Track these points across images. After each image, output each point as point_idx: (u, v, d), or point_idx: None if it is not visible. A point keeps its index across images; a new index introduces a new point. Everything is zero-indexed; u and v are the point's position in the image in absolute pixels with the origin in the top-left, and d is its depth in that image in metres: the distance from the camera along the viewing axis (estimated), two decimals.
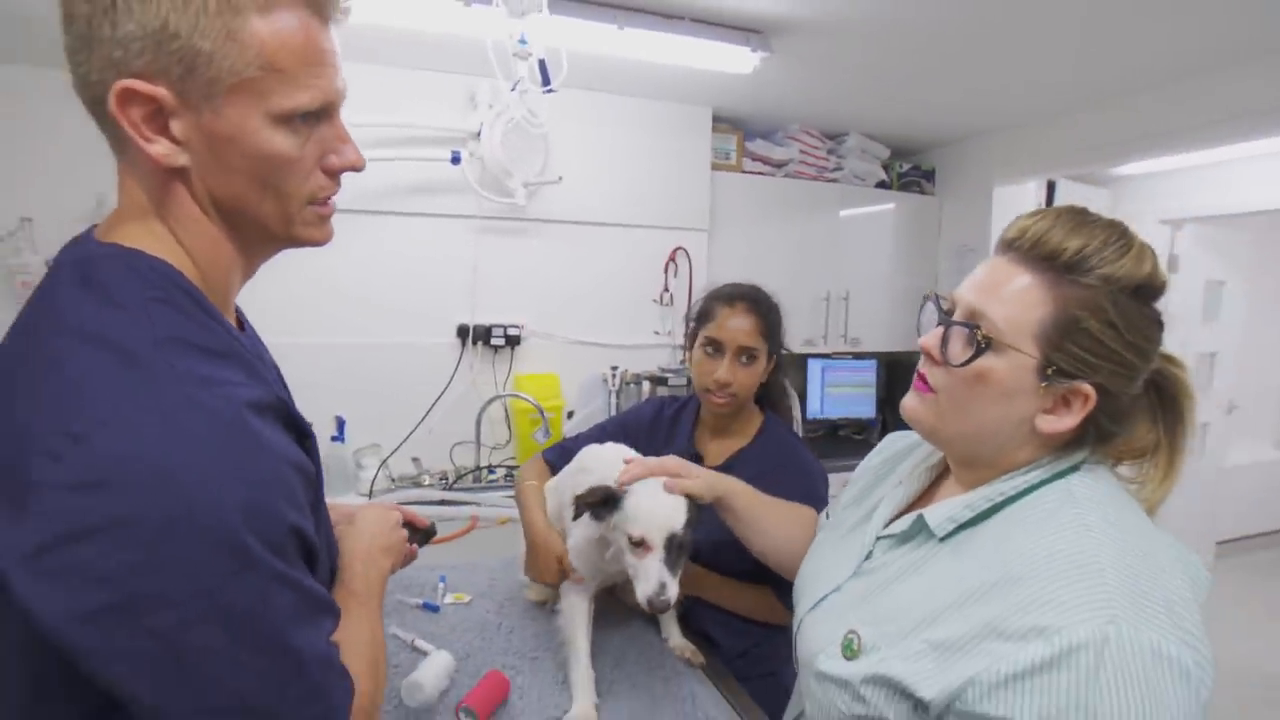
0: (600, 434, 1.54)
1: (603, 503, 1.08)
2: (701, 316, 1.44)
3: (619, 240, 2.84)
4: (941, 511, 0.77)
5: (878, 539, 0.86)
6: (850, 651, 0.76)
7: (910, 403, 0.81)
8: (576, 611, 1.21)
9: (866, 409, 3.46)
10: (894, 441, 1.07)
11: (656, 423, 1.54)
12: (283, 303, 2.39)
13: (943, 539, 0.76)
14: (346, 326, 2.51)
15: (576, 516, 1.11)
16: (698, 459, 1.44)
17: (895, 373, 3.56)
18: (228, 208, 0.64)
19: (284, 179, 0.63)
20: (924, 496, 0.90)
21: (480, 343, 2.65)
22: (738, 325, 1.37)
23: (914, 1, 1.89)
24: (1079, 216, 0.73)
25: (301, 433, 0.67)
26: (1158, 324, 0.72)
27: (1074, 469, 0.73)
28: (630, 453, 1.27)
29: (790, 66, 2.36)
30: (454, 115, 2.51)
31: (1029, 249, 0.71)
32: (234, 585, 0.52)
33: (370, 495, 2.38)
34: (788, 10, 1.97)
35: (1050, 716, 0.57)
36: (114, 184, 0.63)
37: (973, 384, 0.72)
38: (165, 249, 0.62)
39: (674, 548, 1.03)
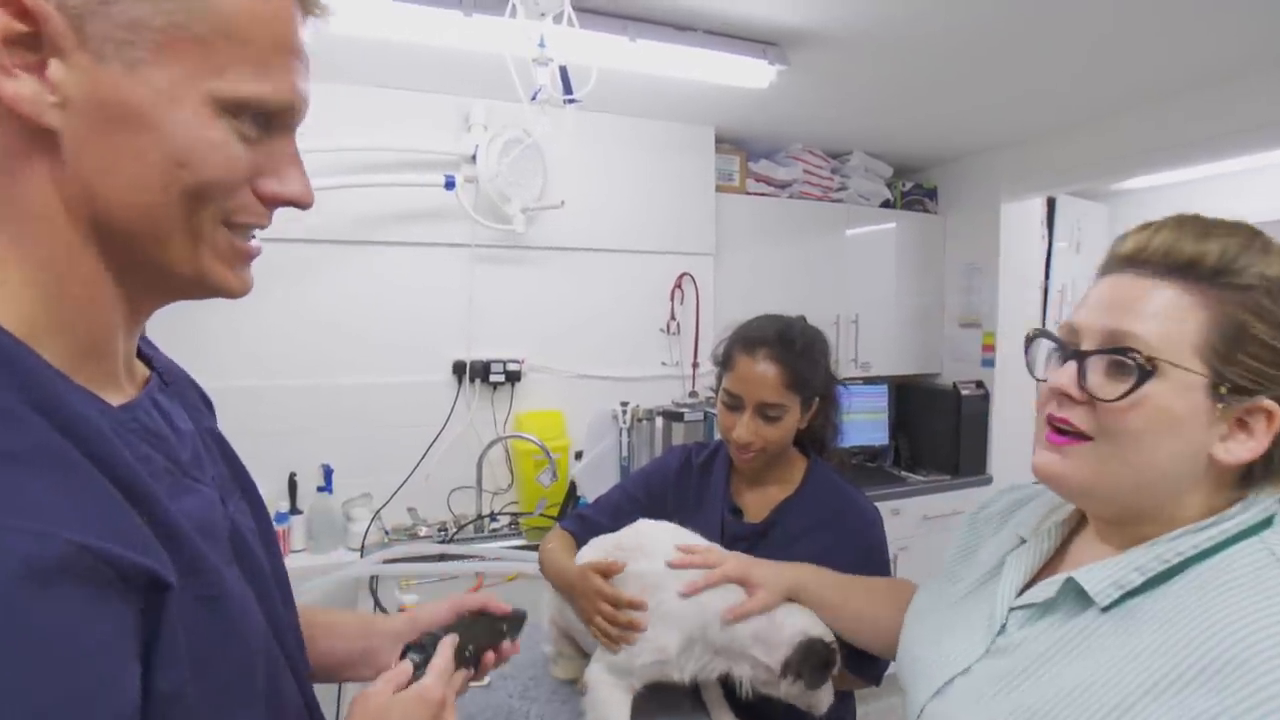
0: (622, 496, 1.36)
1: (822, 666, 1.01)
2: (722, 362, 1.26)
3: (622, 267, 2.69)
4: (1102, 575, 0.62)
5: (1011, 610, 0.71)
6: None
7: (1050, 461, 0.66)
8: (612, 710, 1.04)
9: (880, 435, 3.33)
10: (1006, 491, 0.92)
11: (684, 475, 1.35)
12: (258, 342, 2.20)
13: (1105, 609, 0.61)
14: (332, 366, 2.31)
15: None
16: (736, 513, 1.28)
17: (906, 397, 3.44)
18: (109, 216, 0.44)
19: (206, 190, 0.46)
20: (1056, 556, 0.75)
21: (478, 380, 2.47)
22: (758, 377, 1.17)
23: (929, 13, 1.82)
24: (1201, 222, 0.64)
25: (158, 585, 0.42)
26: None
27: (1268, 523, 0.60)
28: (687, 537, 1.12)
29: (802, 81, 2.25)
30: (447, 138, 2.36)
31: (1160, 261, 0.62)
32: None
33: (362, 550, 2.17)
34: (804, 21, 1.86)
35: None
36: None
37: (1135, 417, 0.60)
38: None
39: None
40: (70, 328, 0.45)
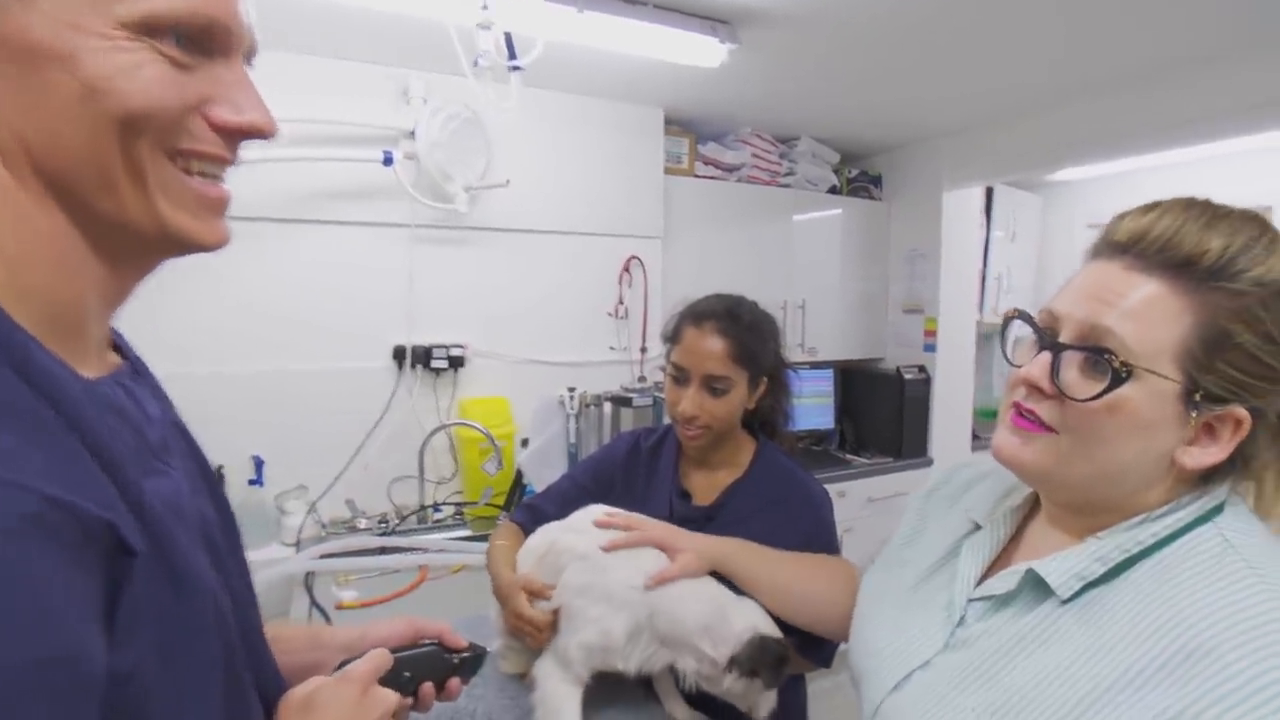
0: (570, 484, 1.34)
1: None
2: (671, 337, 1.25)
3: (569, 249, 2.62)
4: (1063, 567, 0.61)
5: (969, 601, 0.69)
6: None
7: (1012, 446, 0.65)
8: (562, 701, 1.01)
9: (826, 420, 3.37)
10: (954, 471, 0.91)
11: (633, 460, 1.34)
12: (182, 327, 2.06)
13: (1066, 601, 0.60)
14: (262, 352, 2.18)
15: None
16: (685, 497, 1.26)
17: (851, 381, 3.49)
18: (46, 162, 0.42)
19: (132, 119, 0.42)
20: (1011, 543, 0.74)
21: (419, 365, 2.37)
22: (705, 350, 1.17)
23: None
24: (1210, 209, 0.60)
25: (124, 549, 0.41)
26: None
27: (1219, 509, 0.60)
28: (605, 511, 1.12)
29: (752, 61, 2.22)
30: (385, 111, 2.24)
31: (1156, 252, 0.59)
32: None
33: (298, 545, 2.07)
34: None
35: None
36: None
37: (1104, 419, 0.58)
38: None
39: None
40: (37, 292, 0.43)
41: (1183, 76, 2.31)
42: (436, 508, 2.33)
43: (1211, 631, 0.50)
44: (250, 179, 2.09)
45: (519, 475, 2.32)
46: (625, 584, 1.03)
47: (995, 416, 0.65)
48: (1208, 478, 0.61)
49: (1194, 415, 0.57)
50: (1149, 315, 0.57)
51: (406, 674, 0.71)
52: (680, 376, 1.20)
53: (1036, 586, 0.63)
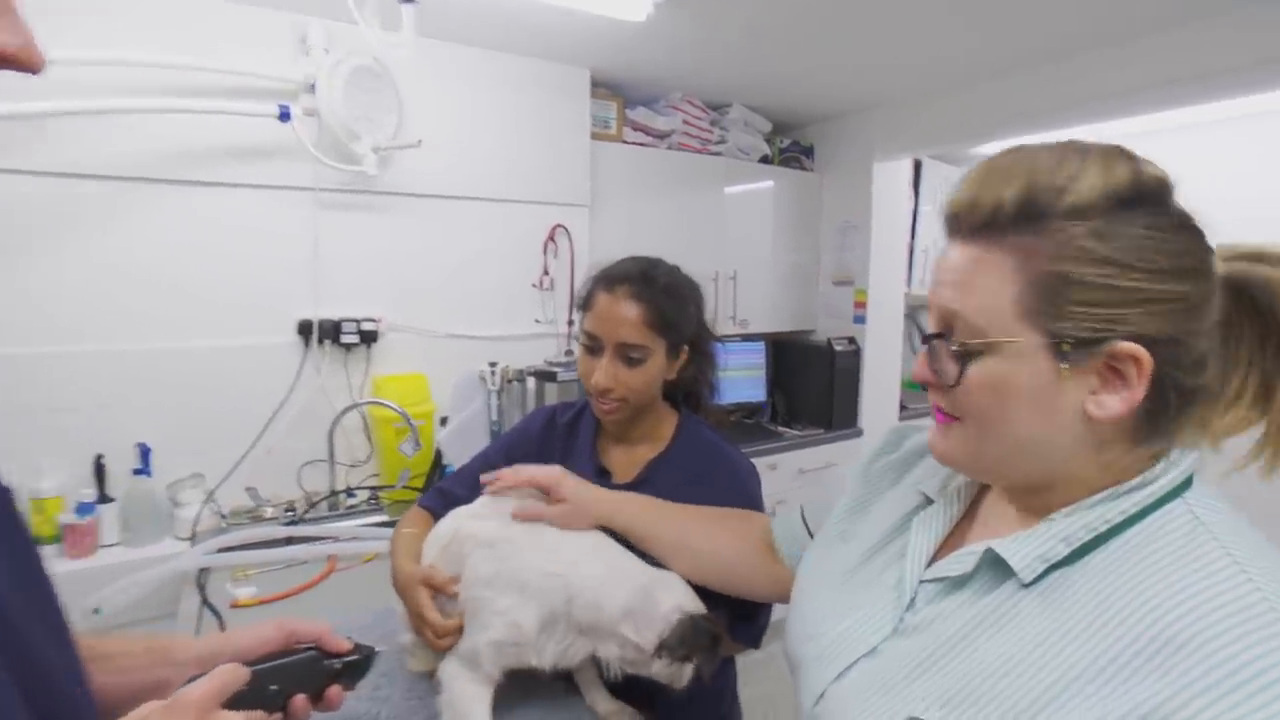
0: (483, 465, 1.25)
1: None
2: (582, 304, 1.17)
3: (490, 217, 2.48)
4: (1026, 548, 0.56)
5: (920, 582, 0.64)
6: None
7: (934, 439, 0.64)
8: (470, 705, 0.92)
9: (757, 392, 3.34)
10: (901, 436, 0.85)
11: (548, 436, 1.26)
12: (53, 300, 1.85)
13: (1029, 584, 0.56)
14: (148, 328, 1.98)
15: None
16: (604, 474, 1.19)
17: (783, 353, 3.47)
18: None
19: None
20: (965, 518, 0.70)
21: (328, 341, 2.20)
22: (618, 316, 1.09)
23: None
24: (1007, 157, 0.57)
25: None
26: (1184, 229, 0.54)
27: (1187, 484, 0.55)
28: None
29: (680, 19, 2.11)
30: (281, 61, 2.04)
31: (967, 221, 0.57)
32: None
33: (193, 538, 1.90)
34: None
35: None
36: None
37: (989, 398, 0.57)
38: None
39: None
40: None
41: (1109, 51, 2.33)
42: (350, 493, 2.19)
43: (1184, 623, 0.46)
44: (130, 133, 1.87)
45: (439, 456, 2.19)
46: (536, 569, 0.94)
47: (922, 389, 0.63)
48: (1152, 434, 0.56)
49: (1066, 366, 0.53)
50: (979, 285, 0.56)
51: (273, 687, 0.63)
52: (593, 346, 1.12)
53: (995, 567, 0.58)
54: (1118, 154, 0.54)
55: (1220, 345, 0.56)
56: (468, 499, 1.11)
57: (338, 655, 0.69)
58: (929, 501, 0.72)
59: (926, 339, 0.61)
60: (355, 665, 0.70)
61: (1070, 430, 0.55)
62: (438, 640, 0.96)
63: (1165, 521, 0.53)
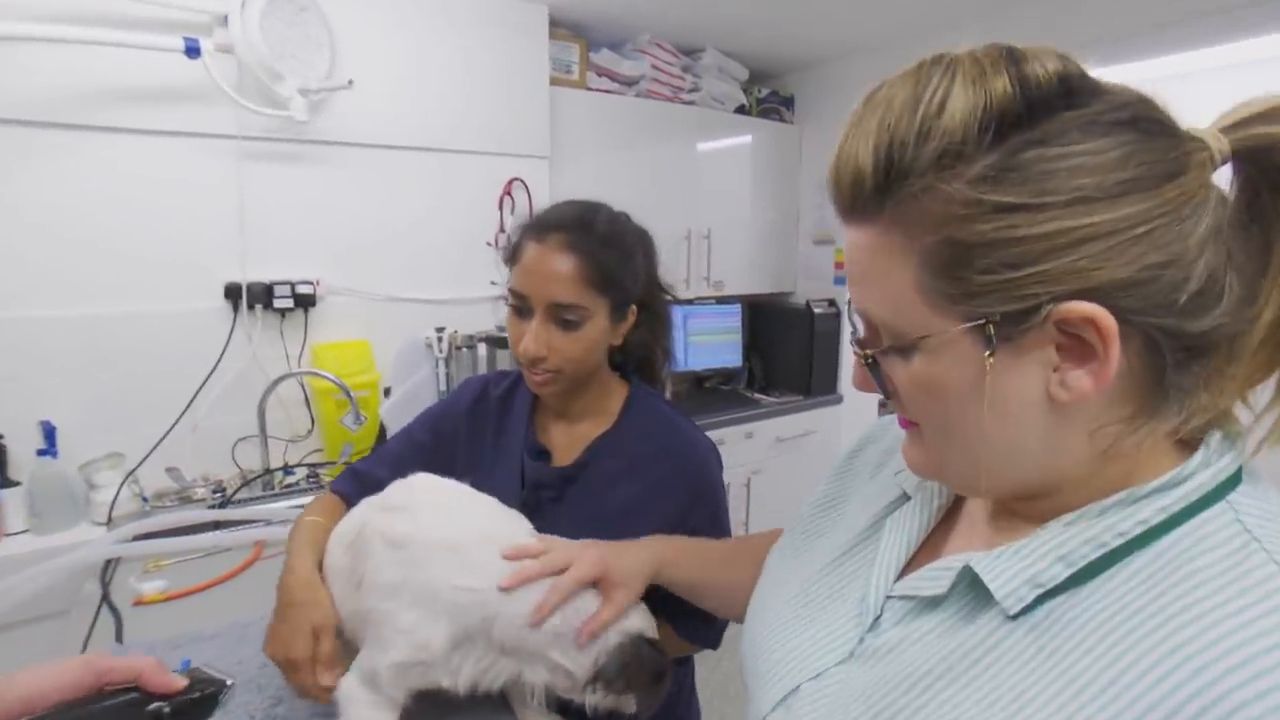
0: (405, 443, 1.09)
1: None
2: (510, 257, 0.99)
3: (438, 169, 2.27)
4: (1013, 569, 0.43)
5: (888, 598, 0.52)
6: None
7: (904, 448, 0.52)
8: None
9: (733, 358, 3.19)
10: (892, 426, 0.71)
11: (479, 412, 1.09)
12: None
13: (1016, 615, 0.42)
14: (50, 294, 1.78)
15: None
16: (541, 456, 1.03)
17: (760, 316, 3.31)
18: None
19: None
20: (946, 518, 0.56)
21: (259, 306, 2.01)
22: (548, 271, 0.91)
23: None
24: (864, 105, 0.44)
25: None
26: (1116, 128, 0.38)
27: (1235, 480, 0.41)
28: (474, 502, 0.87)
29: None
30: None
31: (839, 199, 0.46)
32: None
33: (109, 523, 1.73)
34: None
35: None
36: None
37: (928, 401, 0.46)
38: None
39: None
40: None
41: None
42: (288, 470, 2.02)
43: (1243, 675, 0.33)
44: (20, 70, 1.65)
45: (384, 429, 2.03)
46: (451, 582, 0.78)
47: None
48: (1168, 402, 0.41)
49: (990, 352, 0.41)
50: (875, 275, 0.45)
51: None
52: (521, 306, 0.95)
53: (975, 588, 0.45)
54: (995, 59, 0.40)
55: (1241, 249, 0.40)
56: (388, 482, 0.93)
57: (164, 696, 0.54)
58: (907, 498, 0.59)
59: (853, 343, 0.50)
60: (195, 704, 0.56)
61: (1037, 423, 0.42)
62: (324, 695, 0.80)
63: (1203, 535, 0.39)
